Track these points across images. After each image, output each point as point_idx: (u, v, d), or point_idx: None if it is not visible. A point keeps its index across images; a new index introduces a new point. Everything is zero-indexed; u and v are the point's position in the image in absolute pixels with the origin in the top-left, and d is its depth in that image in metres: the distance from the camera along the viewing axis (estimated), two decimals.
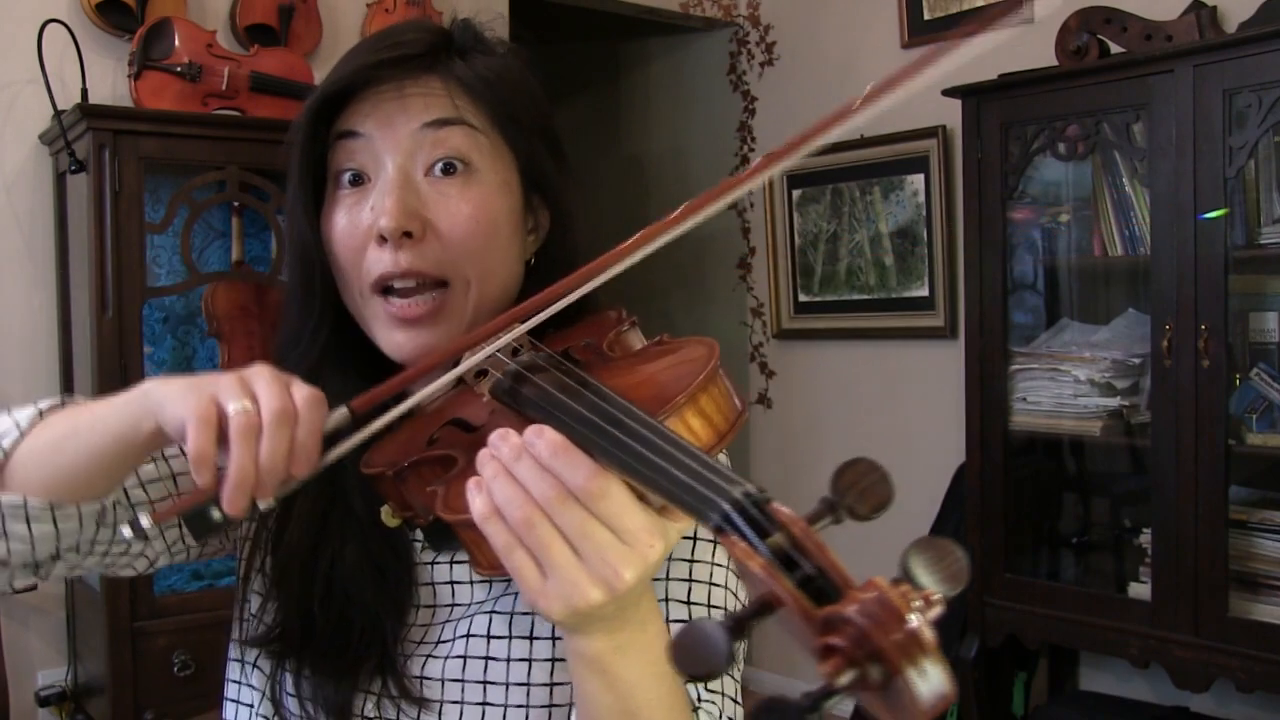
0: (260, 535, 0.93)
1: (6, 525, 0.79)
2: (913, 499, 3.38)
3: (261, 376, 0.73)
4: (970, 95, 2.98)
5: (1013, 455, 3.02)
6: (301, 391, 0.72)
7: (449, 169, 0.87)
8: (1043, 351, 3.00)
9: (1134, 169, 2.77)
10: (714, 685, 0.85)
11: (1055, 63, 2.88)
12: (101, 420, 0.78)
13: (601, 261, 0.74)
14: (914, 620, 0.48)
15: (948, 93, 3.06)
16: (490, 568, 0.71)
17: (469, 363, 0.78)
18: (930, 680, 0.47)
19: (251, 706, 0.92)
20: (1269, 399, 2.61)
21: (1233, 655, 2.54)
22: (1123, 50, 2.80)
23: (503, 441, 0.68)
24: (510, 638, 0.85)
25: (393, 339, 0.88)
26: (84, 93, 2.71)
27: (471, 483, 0.68)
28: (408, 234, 0.85)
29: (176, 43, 2.77)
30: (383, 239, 0.85)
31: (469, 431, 0.79)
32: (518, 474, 0.66)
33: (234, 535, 0.99)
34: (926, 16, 3.54)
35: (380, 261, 0.86)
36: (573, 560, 0.65)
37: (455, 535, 0.74)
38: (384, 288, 0.87)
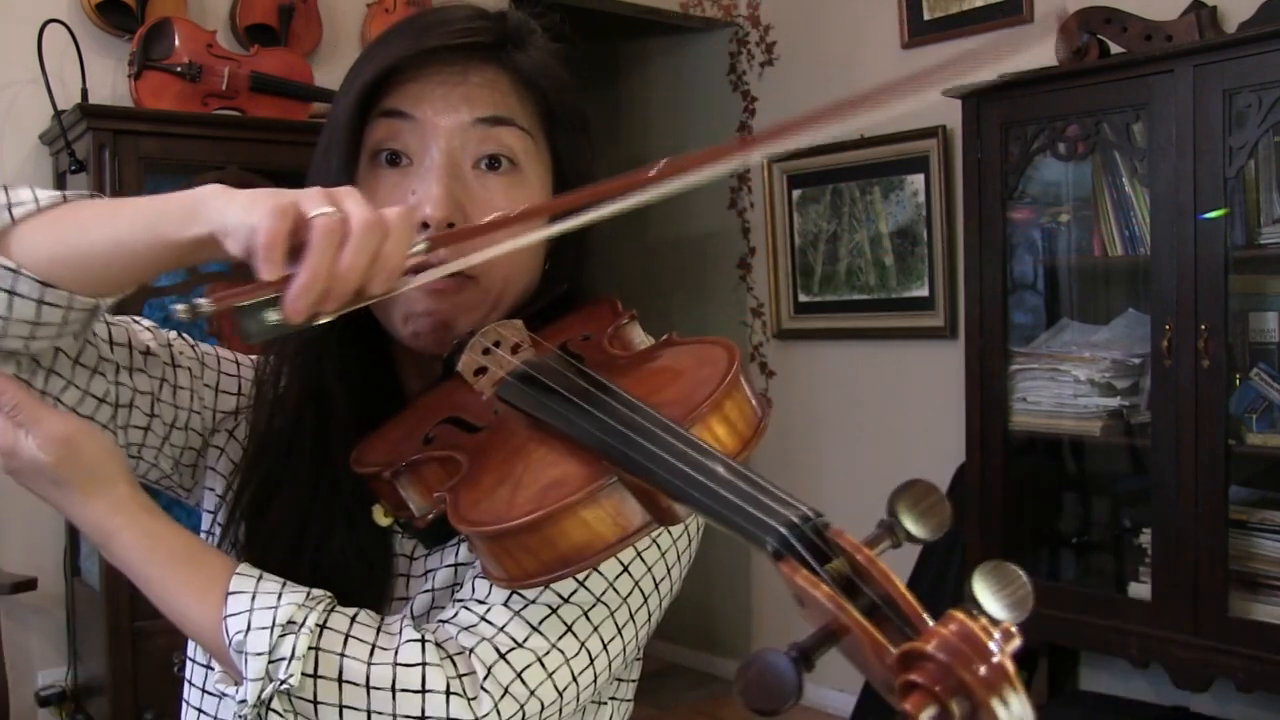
0: (235, 511, 0.90)
1: None
2: None
3: (350, 193, 0.69)
4: (970, 95, 2.98)
5: (1013, 455, 3.02)
6: (392, 209, 0.69)
7: (495, 164, 0.87)
8: (1043, 351, 3.00)
9: (1134, 169, 2.77)
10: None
11: (1055, 63, 2.88)
12: (143, 211, 0.72)
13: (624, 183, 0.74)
14: (997, 654, 0.47)
15: (948, 93, 3.05)
16: (511, 579, 0.68)
17: (544, 232, 0.80)
18: (1015, 712, 0.47)
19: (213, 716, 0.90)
20: (1269, 399, 2.61)
21: (1233, 655, 2.54)
22: (1123, 50, 2.80)
23: None
24: None
25: (411, 297, 0.84)
26: (84, 93, 2.71)
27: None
28: (450, 225, 0.84)
29: (176, 43, 2.77)
30: (425, 226, 0.83)
31: (470, 431, 0.78)
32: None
33: (199, 480, 0.95)
34: (926, 17, 3.54)
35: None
36: None
37: (472, 546, 0.72)
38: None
